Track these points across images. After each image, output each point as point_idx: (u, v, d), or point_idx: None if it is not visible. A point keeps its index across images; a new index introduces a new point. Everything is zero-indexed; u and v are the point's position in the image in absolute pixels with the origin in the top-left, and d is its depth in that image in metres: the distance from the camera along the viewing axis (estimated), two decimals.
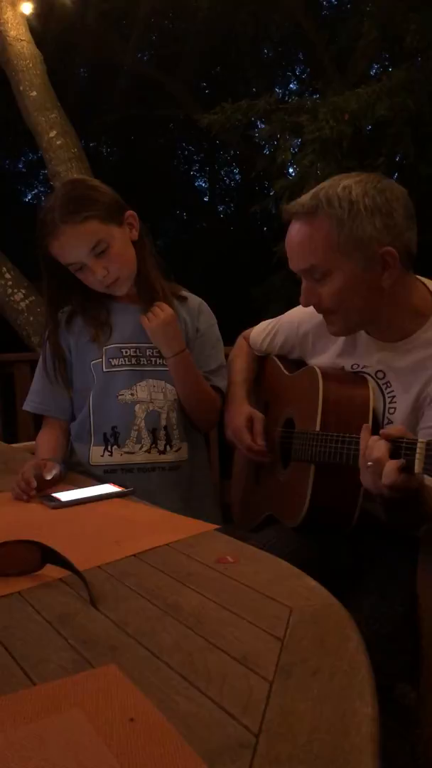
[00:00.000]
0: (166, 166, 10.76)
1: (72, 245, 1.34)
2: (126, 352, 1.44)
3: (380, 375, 1.22)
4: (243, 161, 9.95)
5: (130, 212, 1.42)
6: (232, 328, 1.68)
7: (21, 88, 3.93)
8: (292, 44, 8.55)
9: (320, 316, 1.23)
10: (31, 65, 3.93)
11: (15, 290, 4.02)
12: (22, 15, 3.96)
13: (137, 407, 1.42)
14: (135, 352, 1.44)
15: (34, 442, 1.56)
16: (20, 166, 10.84)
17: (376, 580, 1.18)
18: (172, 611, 0.70)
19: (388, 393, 1.21)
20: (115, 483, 1.25)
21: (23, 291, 4.02)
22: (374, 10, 5.00)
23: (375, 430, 1.01)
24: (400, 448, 0.94)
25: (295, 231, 1.16)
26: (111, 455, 1.42)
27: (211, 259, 9.24)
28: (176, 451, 1.45)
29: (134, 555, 0.87)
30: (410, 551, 1.15)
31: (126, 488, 1.20)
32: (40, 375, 1.50)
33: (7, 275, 4.04)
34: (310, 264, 1.15)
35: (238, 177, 11.57)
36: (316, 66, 7.42)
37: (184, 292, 1.54)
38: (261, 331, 1.53)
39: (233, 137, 7.30)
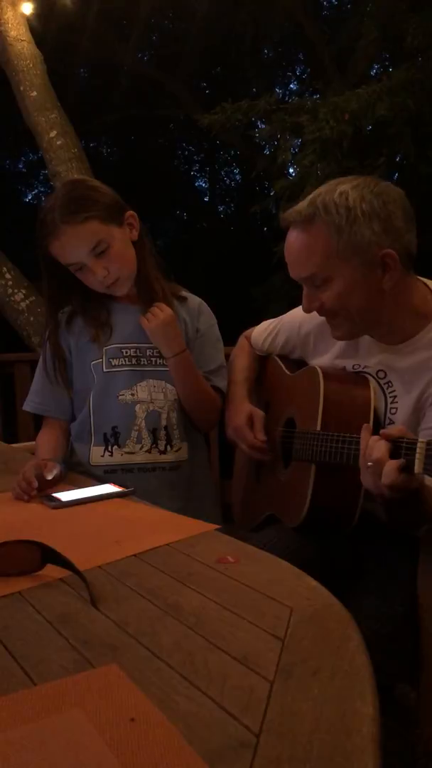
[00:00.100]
0: (166, 166, 10.76)
1: (72, 245, 1.34)
2: (126, 353, 1.44)
3: (381, 375, 1.22)
4: (243, 161, 9.95)
5: (130, 212, 1.42)
6: (232, 328, 1.68)
7: (21, 88, 3.93)
8: (292, 44, 8.56)
9: (322, 317, 1.23)
10: (31, 65, 3.93)
11: (15, 290, 4.02)
12: (22, 15, 3.95)
13: (137, 407, 1.42)
14: (135, 352, 1.44)
15: (34, 442, 1.56)
16: (20, 166, 10.85)
17: (376, 580, 1.18)
18: (172, 611, 0.70)
19: (389, 393, 1.21)
20: (115, 483, 1.25)
21: (23, 291, 4.02)
22: (374, 10, 5.01)
23: (376, 430, 1.01)
24: (400, 448, 0.94)
25: (294, 239, 1.16)
26: (111, 455, 1.42)
27: (211, 259, 9.24)
28: (176, 451, 1.45)
29: (135, 555, 0.87)
30: (410, 551, 1.15)
31: (126, 488, 1.20)
32: (40, 375, 1.50)
33: (8, 275, 4.04)
34: (310, 273, 1.15)
35: (238, 177, 11.58)
36: (316, 66, 7.42)
37: (184, 293, 1.54)
38: (262, 331, 1.53)
39: (233, 137, 7.30)
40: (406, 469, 0.93)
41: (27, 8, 3.95)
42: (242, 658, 0.59)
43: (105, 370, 1.43)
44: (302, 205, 1.15)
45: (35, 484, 1.18)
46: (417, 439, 0.93)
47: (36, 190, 10.99)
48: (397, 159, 4.49)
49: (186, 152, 11.70)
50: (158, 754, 0.46)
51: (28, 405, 1.53)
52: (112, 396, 1.42)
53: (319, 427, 1.19)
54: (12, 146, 9.46)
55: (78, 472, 1.41)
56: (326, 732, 0.48)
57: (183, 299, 1.52)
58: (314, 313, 1.22)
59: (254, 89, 7.22)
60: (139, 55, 8.25)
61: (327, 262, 1.12)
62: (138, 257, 1.43)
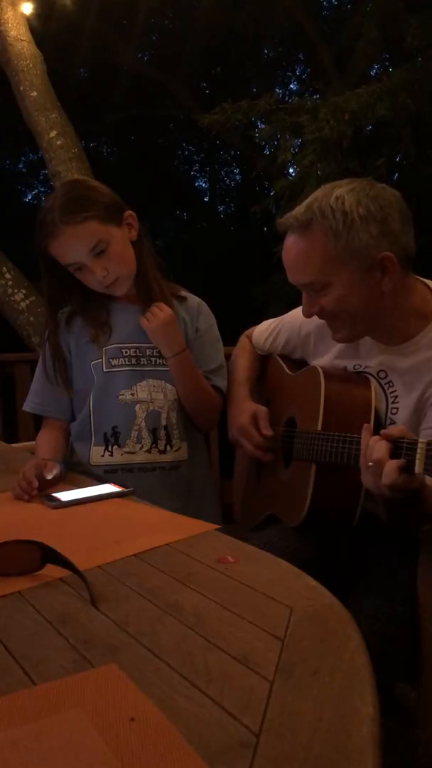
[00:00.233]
0: (166, 166, 10.76)
1: (71, 245, 1.34)
2: (126, 352, 1.44)
3: (382, 375, 1.22)
4: (243, 161, 9.96)
5: (129, 212, 1.42)
6: (232, 328, 1.68)
7: (21, 88, 3.92)
8: (292, 44, 8.56)
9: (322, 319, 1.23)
10: (31, 65, 3.93)
11: (15, 290, 4.02)
12: (22, 15, 3.95)
13: (137, 407, 1.42)
14: (135, 352, 1.44)
15: (34, 442, 1.56)
16: (20, 166, 10.85)
17: (376, 580, 1.18)
18: (172, 611, 0.70)
19: (390, 393, 1.21)
20: (115, 483, 1.24)
21: (23, 291, 4.02)
22: (374, 10, 5.00)
23: (377, 431, 1.01)
24: (400, 448, 0.94)
25: (291, 244, 1.16)
26: (111, 455, 1.42)
27: (211, 259, 9.24)
28: (176, 450, 1.45)
29: (134, 555, 0.87)
30: (410, 551, 1.15)
31: (126, 488, 1.20)
32: (39, 375, 1.50)
33: (8, 275, 4.04)
34: (309, 280, 1.15)
35: (238, 177, 11.58)
36: (316, 66, 7.42)
37: (184, 292, 1.54)
38: (263, 331, 1.53)
39: (233, 137, 7.30)
40: (407, 469, 0.93)
41: (27, 8, 3.95)
42: (242, 658, 0.59)
43: (105, 370, 1.43)
44: (299, 210, 1.15)
45: (35, 483, 1.18)
46: (417, 440, 0.93)
47: (36, 190, 11.01)
48: (397, 159, 4.50)
49: (186, 152, 11.71)
50: (158, 754, 0.46)
51: (28, 405, 1.53)
52: (112, 396, 1.42)
53: (319, 427, 1.19)
54: (12, 146, 9.47)
55: (78, 472, 1.41)
56: (326, 732, 0.48)
57: (182, 299, 1.52)
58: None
59: (254, 89, 7.23)
60: (139, 55, 8.25)
61: (325, 268, 1.12)
62: (137, 257, 1.43)
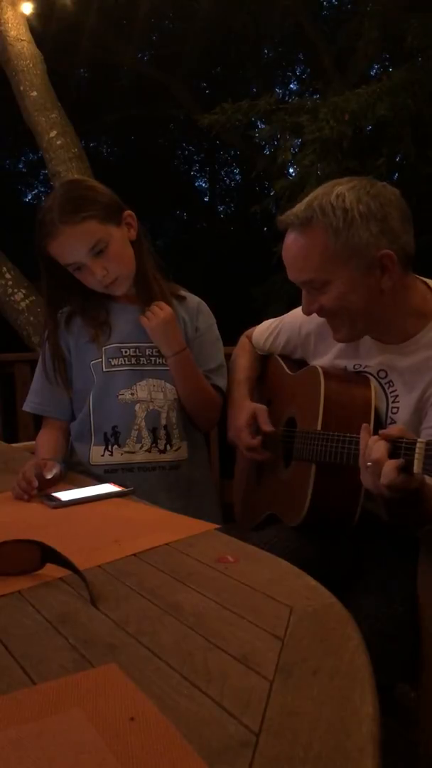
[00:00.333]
0: (166, 166, 10.77)
1: (71, 245, 1.34)
2: (126, 352, 1.44)
3: (382, 374, 1.22)
4: (243, 161, 9.96)
5: (128, 212, 1.42)
6: (232, 328, 1.68)
7: (21, 88, 3.93)
8: (292, 44, 8.56)
9: (322, 318, 1.23)
10: (31, 65, 3.93)
11: (15, 290, 4.02)
12: (22, 15, 3.96)
13: (137, 407, 1.42)
14: (135, 351, 1.44)
15: (34, 442, 1.56)
16: (20, 166, 10.86)
17: (376, 580, 1.18)
18: (172, 611, 0.70)
19: (390, 393, 1.21)
20: (115, 482, 1.24)
21: (23, 291, 4.02)
22: (374, 10, 5.01)
23: (377, 430, 1.01)
24: (399, 448, 0.94)
25: (291, 241, 1.16)
26: (111, 455, 1.42)
27: (211, 259, 9.25)
28: (176, 450, 1.45)
29: (134, 554, 0.87)
30: (410, 551, 1.15)
31: (126, 488, 1.20)
32: (39, 375, 1.50)
33: (7, 275, 4.04)
34: (308, 277, 1.15)
35: (238, 177, 11.59)
36: (316, 66, 7.43)
37: (183, 292, 1.54)
38: (264, 331, 1.53)
39: (233, 137, 7.30)
40: (405, 469, 0.93)
41: (27, 8, 3.95)
42: (242, 658, 0.59)
43: (104, 369, 1.43)
44: (299, 207, 1.15)
45: (35, 483, 1.18)
46: (416, 439, 0.93)
47: (36, 190, 11.01)
48: (397, 159, 4.50)
49: (186, 152, 11.71)
50: (158, 754, 0.46)
51: (28, 405, 1.53)
52: (112, 395, 1.42)
53: (319, 427, 1.19)
54: (12, 146, 9.48)
55: (78, 472, 1.41)
56: (326, 732, 0.48)
57: (182, 298, 1.52)
58: (314, 315, 1.22)
59: (254, 89, 7.23)
60: (139, 55, 8.25)
61: (325, 265, 1.12)
62: (136, 257, 1.43)
